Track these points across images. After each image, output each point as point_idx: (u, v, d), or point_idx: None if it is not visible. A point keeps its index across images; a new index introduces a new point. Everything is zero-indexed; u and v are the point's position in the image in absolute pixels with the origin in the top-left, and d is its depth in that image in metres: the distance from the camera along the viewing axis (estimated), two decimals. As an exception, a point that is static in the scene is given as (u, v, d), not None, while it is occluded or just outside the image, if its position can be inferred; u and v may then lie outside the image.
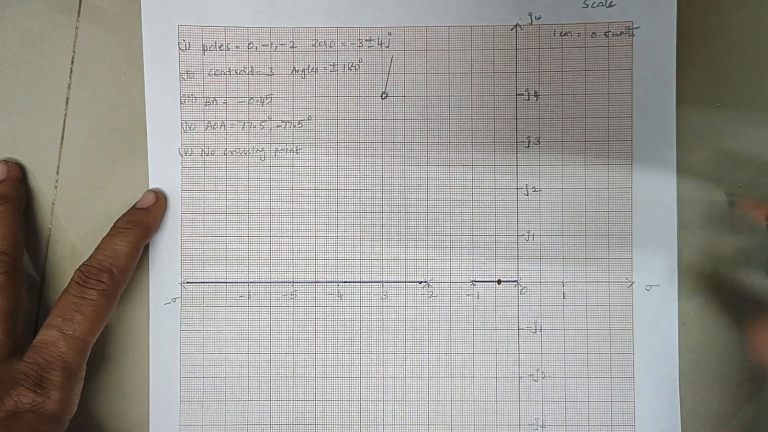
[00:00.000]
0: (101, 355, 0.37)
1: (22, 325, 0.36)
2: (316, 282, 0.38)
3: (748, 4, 0.38)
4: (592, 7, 0.37)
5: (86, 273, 0.35)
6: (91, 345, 0.35)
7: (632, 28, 0.37)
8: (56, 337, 0.33)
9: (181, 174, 0.38)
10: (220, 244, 0.38)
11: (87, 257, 0.36)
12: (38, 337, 0.34)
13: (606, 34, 0.37)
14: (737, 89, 0.38)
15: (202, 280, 0.38)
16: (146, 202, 0.37)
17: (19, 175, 0.37)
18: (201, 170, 0.38)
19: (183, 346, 0.38)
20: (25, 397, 0.32)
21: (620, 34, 0.37)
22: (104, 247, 0.36)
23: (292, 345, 0.38)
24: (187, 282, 0.38)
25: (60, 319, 0.34)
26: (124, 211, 0.37)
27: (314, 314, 0.38)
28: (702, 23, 0.38)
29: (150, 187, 0.38)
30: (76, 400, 0.34)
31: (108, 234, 0.36)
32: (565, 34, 0.37)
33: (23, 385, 0.32)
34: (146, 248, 0.37)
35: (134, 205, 0.37)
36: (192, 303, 0.38)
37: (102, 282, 0.35)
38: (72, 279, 0.35)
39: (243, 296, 0.38)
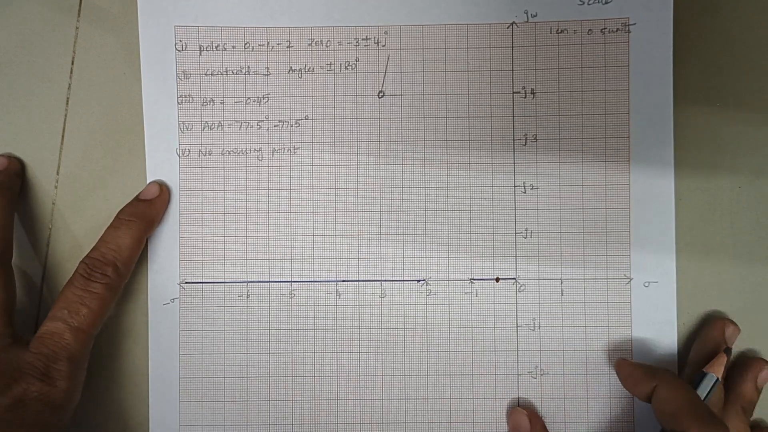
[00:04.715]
0: (101, 356, 0.38)
1: (14, 316, 0.36)
2: (314, 281, 0.38)
3: (746, 2, 0.38)
4: (588, 4, 0.37)
5: (91, 266, 0.35)
6: (95, 336, 0.35)
7: (629, 25, 0.37)
8: (62, 329, 0.34)
9: (179, 174, 0.38)
10: (219, 244, 0.38)
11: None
12: (43, 328, 0.34)
13: (602, 31, 0.37)
14: (735, 88, 0.38)
15: (201, 281, 0.38)
16: (150, 193, 0.37)
17: (18, 169, 0.38)
18: (199, 170, 0.38)
19: (182, 346, 0.38)
20: (32, 386, 0.33)
21: (617, 30, 0.37)
22: (108, 239, 0.36)
23: (290, 344, 0.38)
24: (186, 282, 0.38)
25: (66, 311, 0.34)
26: (125, 209, 0.37)
27: (313, 313, 0.38)
28: (699, 20, 0.38)
29: (149, 188, 0.38)
30: (80, 389, 0.35)
31: (111, 225, 0.36)
32: (561, 31, 0.37)
33: (31, 375, 0.33)
34: (145, 249, 0.38)
35: (137, 195, 0.37)
36: (191, 303, 0.38)
37: (107, 276, 0.35)
38: (76, 271, 0.35)
39: (242, 296, 0.38)
